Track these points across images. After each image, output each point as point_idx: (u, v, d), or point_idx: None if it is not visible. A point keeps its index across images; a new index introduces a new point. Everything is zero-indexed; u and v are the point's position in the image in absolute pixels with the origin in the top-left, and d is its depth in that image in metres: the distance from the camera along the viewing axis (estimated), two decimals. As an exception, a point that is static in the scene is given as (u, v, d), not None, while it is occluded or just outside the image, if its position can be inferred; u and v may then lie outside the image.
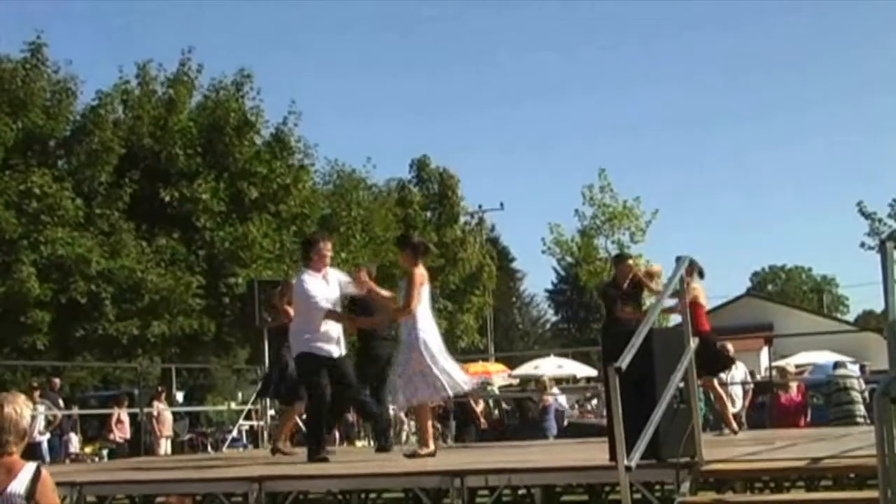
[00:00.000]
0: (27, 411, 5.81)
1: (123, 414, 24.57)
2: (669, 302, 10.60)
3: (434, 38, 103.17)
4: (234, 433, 25.61)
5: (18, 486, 5.56)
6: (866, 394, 17.08)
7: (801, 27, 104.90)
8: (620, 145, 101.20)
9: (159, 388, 26.87)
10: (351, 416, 20.66)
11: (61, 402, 25.17)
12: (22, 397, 5.90)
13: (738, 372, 18.13)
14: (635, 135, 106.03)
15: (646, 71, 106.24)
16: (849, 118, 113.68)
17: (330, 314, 11.63)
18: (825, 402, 17.71)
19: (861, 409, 16.64)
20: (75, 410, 28.18)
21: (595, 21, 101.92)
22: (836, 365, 19.90)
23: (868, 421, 16.00)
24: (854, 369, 21.73)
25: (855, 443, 9.52)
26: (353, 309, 12.85)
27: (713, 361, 13.04)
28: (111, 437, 24.51)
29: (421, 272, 11.24)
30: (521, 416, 22.78)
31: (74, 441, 25.54)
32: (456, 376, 11.18)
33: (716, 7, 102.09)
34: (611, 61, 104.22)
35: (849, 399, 16.78)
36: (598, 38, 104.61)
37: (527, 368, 36.78)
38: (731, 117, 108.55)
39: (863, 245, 31.95)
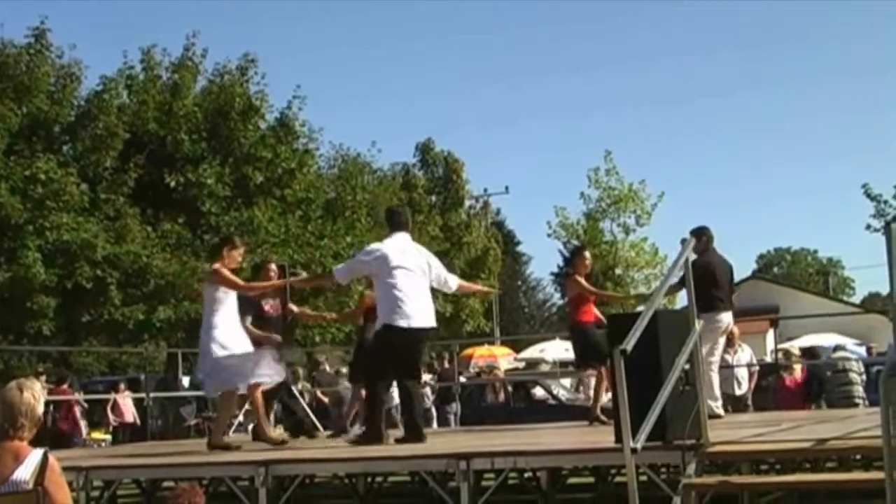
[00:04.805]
0: (43, 399, 5.85)
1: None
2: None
3: (437, 19, 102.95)
4: (241, 417, 25.64)
5: (25, 471, 5.58)
6: (864, 375, 17.16)
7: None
8: (626, 127, 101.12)
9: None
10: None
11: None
12: (38, 385, 5.93)
13: (744, 354, 18.14)
14: (641, 116, 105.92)
15: (650, 46, 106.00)
16: (855, 99, 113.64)
17: None
18: (825, 383, 17.74)
19: (860, 391, 16.74)
20: (81, 395, 28.23)
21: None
22: (836, 348, 19.98)
23: (867, 402, 16.06)
24: (854, 351, 21.78)
25: (860, 424, 9.51)
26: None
27: (588, 353, 13.21)
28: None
29: None
30: (527, 398, 22.84)
31: (82, 426, 25.61)
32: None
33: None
34: (614, 38, 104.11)
35: (847, 380, 16.86)
36: (602, 14, 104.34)
37: (532, 352, 36.82)
38: (735, 97, 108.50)
39: (868, 227, 31.84)
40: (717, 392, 12.83)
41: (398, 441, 10.87)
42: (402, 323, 10.74)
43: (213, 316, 11.31)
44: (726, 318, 12.70)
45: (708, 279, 12.10)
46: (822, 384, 18.04)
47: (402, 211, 11.92)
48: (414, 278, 10.91)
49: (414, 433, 10.87)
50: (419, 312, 10.87)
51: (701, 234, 12.52)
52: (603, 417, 12.96)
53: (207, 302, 11.44)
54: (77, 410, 23.91)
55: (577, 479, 12.59)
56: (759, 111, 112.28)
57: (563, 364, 32.59)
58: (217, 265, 11.43)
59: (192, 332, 30.00)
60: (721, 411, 12.75)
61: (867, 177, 65.18)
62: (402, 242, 11.11)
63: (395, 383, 11.65)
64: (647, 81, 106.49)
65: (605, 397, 13.50)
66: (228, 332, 11.31)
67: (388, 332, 10.79)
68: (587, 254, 14.04)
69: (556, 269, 75.55)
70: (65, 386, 23.78)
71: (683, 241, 10.24)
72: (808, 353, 19.20)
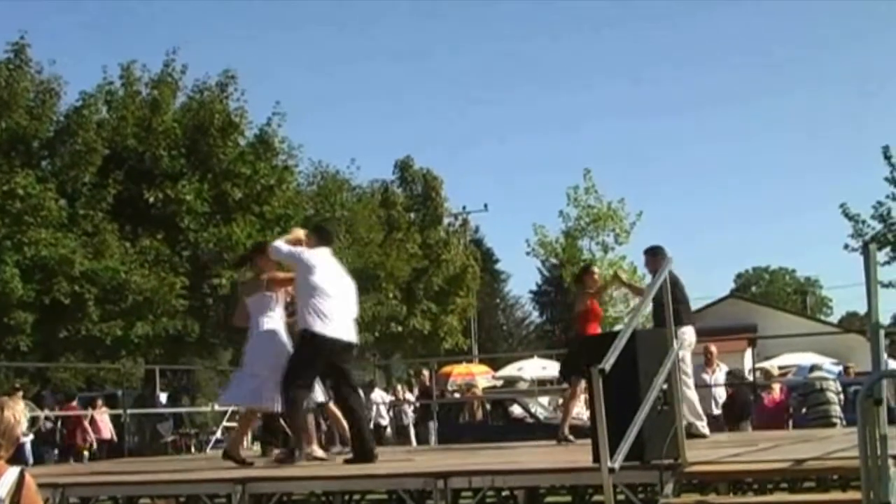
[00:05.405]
0: (25, 419, 5.81)
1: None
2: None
3: (415, 35, 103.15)
4: (219, 434, 25.57)
5: (1, 489, 5.54)
6: (842, 395, 17.17)
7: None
8: (605, 145, 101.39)
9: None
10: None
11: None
12: (22, 404, 5.89)
13: (721, 374, 18.16)
14: (619, 135, 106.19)
15: (632, 62, 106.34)
16: (832, 117, 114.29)
17: None
18: (801, 403, 17.73)
19: (837, 410, 16.71)
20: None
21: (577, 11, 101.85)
22: (812, 367, 20.02)
23: (844, 422, 16.08)
24: (831, 371, 21.79)
25: (838, 444, 9.53)
26: None
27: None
28: None
29: None
30: (505, 416, 22.82)
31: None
32: None
33: None
34: (596, 54, 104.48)
35: (825, 400, 16.84)
36: (583, 28, 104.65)
37: (510, 370, 36.80)
38: (714, 115, 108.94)
39: (846, 247, 31.93)
40: (700, 411, 12.86)
41: (347, 462, 10.84)
42: (323, 331, 10.69)
43: (268, 322, 11.19)
44: (689, 331, 12.75)
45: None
46: (747, 405, 18.07)
47: (331, 229, 12.14)
48: (338, 290, 10.94)
49: (365, 453, 10.81)
50: (342, 324, 10.88)
51: (658, 253, 12.68)
52: (570, 437, 13.10)
53: (258, 310, 11.23)
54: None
55: (554, 498, 12.57)
56: (735, 130, 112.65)
57: (542, 382, 32.59)
58: (266, 273, 11.34)
59: (169, 348, 30.00)
60: (707, 430, 12.79)
61: (845, 196, 65.44)
62: (327, 257, 11.12)
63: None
64: (628, 99, 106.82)
65: (585, 414, 13.57)
66: (283, 344, 11.21)
67: (312, 339, 10.72)
68: (595, 269, 14.50)
69: (534, 288, 76.06)
70: (73, 403, 25.08)
71: (657, 254, 10.31)
72: (731, 374, 19.16)
